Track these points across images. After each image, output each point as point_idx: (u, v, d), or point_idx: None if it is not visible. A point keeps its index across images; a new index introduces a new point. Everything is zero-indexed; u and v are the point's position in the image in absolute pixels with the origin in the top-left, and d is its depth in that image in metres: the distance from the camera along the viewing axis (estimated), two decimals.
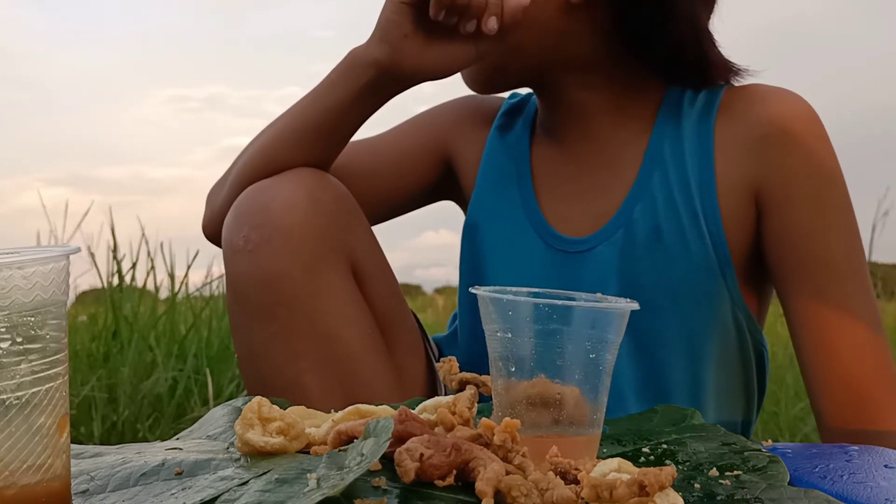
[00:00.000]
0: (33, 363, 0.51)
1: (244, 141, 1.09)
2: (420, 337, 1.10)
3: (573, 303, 0.60)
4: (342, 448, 0.56)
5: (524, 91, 1.17)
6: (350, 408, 0.65)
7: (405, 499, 0.51)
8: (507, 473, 0.52)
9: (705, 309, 0.99)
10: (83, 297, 2.79)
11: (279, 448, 0.59)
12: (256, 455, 0.59)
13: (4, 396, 0.50)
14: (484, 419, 0.57)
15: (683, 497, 0.49)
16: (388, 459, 0.53)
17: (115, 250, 2.44)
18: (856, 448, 0.76)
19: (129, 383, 2.04)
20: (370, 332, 0.99)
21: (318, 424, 0.64)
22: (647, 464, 0.64)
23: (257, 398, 0.61)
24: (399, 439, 0.54)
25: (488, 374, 0.65)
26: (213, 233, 1.08)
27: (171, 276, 2.53)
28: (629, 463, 0.52)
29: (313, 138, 1.01)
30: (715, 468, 0.61)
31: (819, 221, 0.95)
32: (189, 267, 2.53)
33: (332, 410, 0.68)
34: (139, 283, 2.52)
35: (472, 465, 0.53)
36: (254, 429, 0.60)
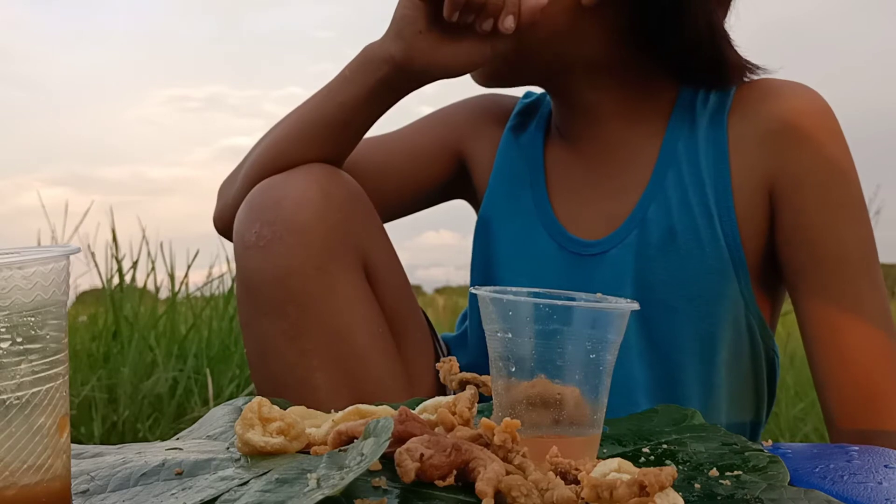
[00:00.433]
0: (33, 363, 0.51)
1: (244, 141, 1.10)
2: (429, 335, 1.10)
3: (573, 303, 0.60)
4: (342, 448, 0.56)
5: (538, 91, 1.16)
6: (350, 408, 0.65)
7: (405, 499, 0.51)
8: (508, 473, 0.52)
9: (719, 312, 0.99)
10: (83, 297, 2.79)
11: (279, 448, 0.59)
12: (256, 455, 0.59)
13: (4, 396, 0.50)
14: (484, 419, 0.57)
15: (683, 497, 0.49)
16: (388, 459, 0.53)
17: (115, 250, 2.44)
18: (856, 448, 0.76)
19: (129, 383, 2.04)
20: (380, 330, 0.99)
21: (318, 424, 0.64)
22: (647, 464, 0.64)
23: (257, 398, 0.61)
24: (399, 439, 0.54)
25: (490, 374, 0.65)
26: (224, 226, 1.08)
27: (172, 276, 2.53)
28: (629, 463, 0.52)
29: (326, 134, 1.01)
30: (715, 468, 0.61)
31: (832, 217, 0.94)
32: (189, 267, 2.53)
33: (333, 410, 0.68)
34: (139, 283, 2.52)
35: (472, 466, 0.53)
36: (254, 429, 0.60)
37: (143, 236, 2.53)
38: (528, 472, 0.52)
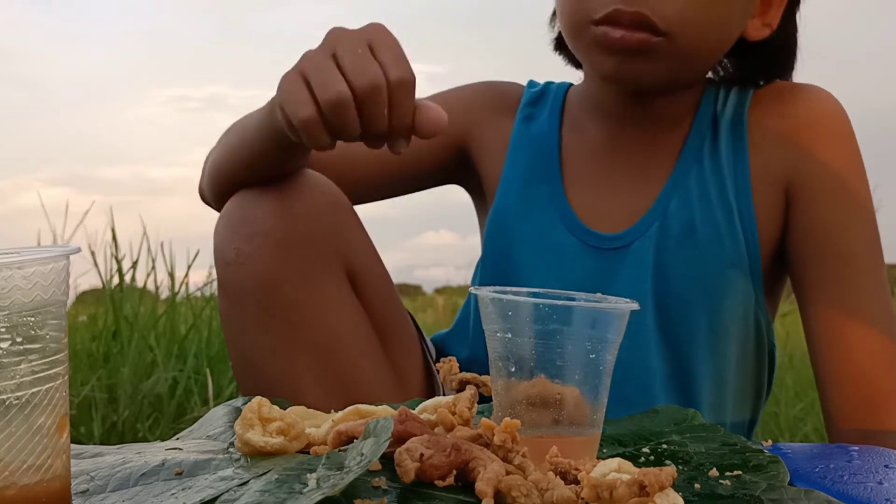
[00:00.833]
0: (33, 363, 0.51)
1: None
2: (417, 338, 1.09)
3: (573, 303, 0.60)
4: (342, 448, 0.56)
5: (540, 80, 1.15)
6: (350, 408, 0.65)
7: (405, 499, 0.51)
8: (507, 473, 0.52)
9: (733, 306, 0.99)
10: (83, 297, 2.79)
11: (279, 448, 0.59)
12: (256, 455, 0.59)
13: (4, 396, 0.50)
14: (484, 419, 0.57)
15: (683, 497, 0.49)
16: (388, 459, 0.53)
17: (115, 250, 2.44)
18: (856, 448, 0.76)
19: (129, 383, 2.04)
20: (368, 337, 0.98)
21: (318, 424, 0.64)
22: (647, 464, 0.64)
23: (257, 398, 0.61)
24: (399, 439, 0.54)
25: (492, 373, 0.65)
26: (203, 199, 1.06)
27: (172, 276, 2.53)
28: (629, 463, 0.52)
29: (252, 173, 0.95)
30: (715, 468, 0.61)
31: (843, 217, 0.96)
32: (189, 267, 2.53)
33: (333, 410, 0.68)
34: (139, 283, 2.52)
35: (472, 466, 0.53)
36: (254, 429, 0.60)
37: (144, 236, 2.53)
38: (527, 472, 0.52)
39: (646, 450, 0.67)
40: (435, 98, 1.14)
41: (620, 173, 1.05)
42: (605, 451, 0.67)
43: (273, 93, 0.83)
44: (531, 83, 1.16)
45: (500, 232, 1.08)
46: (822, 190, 0.96)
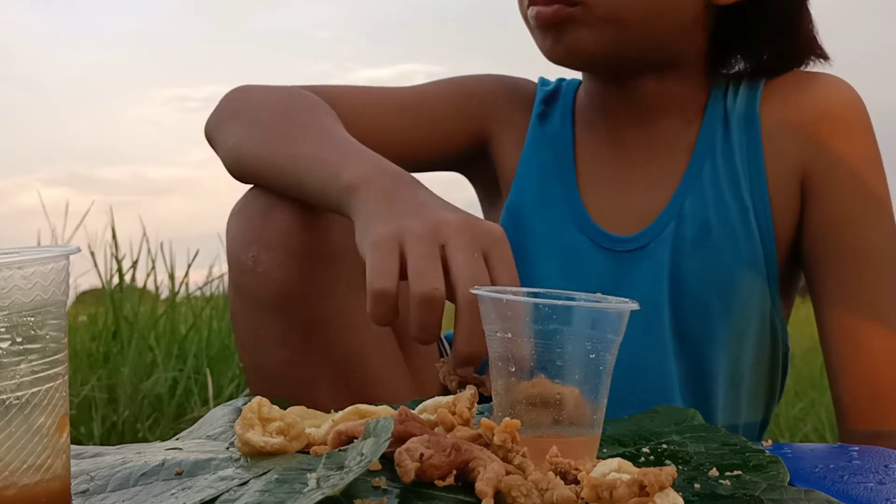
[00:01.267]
0: (33, 363, 0.51)
1: None
2: (437, 344, 1.07)
3: (573, 303, 0.60)
4: (342, 448, 0.56)
5: (551, 78, 1.14)
6: (350, 408, 0.65)
7: (405, 499, 0.51)
8: (507, 473, 0.52)
9: (749, 307, 0.98)
10: (83, 297, 2.79)
11: (279, 448, 0.59)
12: (256, 455, 0.59)
13: (4, 396, 0.50)
14: (484, 419, 0.57)
15: (683, 497, 0.49)
16: (388, 459, 0.53)
17: (115, 250, 2.44)
18: (856, 448, 0.76)
19: (129, 383, 2.04)
20: (388, 349, 0.95)
21: (318, 424, 0.64)
22: (647, 464, 0.64)
23: (257, 398, 0.61)
24: (399, 439, 0.54)
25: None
26: (208, 140, 0.99)
27: (172, 276, 2.54)
28: (629, 463, 0.52)
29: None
30: (715, 468, 0.61)
31: (858, 212, 0.94)
32: (189, 267, 2.54)
33: (333, 410, 0.68)
34: (139, 283, 2.52)
35: (472, 466, 0.53)
36: (254, 429, 0.60)
37: (144, 236, 2.53)
38: (527, 472, 0.52)
39: (646, 450, 0.67)
40: (456, 85, 1.11)
41: (633, 173, 1.03)
42: (605, 451, 0.67)
43: None
44: (543, 80, 1.14)
45: (515, 230, 1.05)
46: (838, 183, 0.94)
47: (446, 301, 0.68)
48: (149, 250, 2.68)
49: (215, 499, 0.51)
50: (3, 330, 0.50)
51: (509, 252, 0.72)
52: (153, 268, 2.52)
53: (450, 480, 0.52)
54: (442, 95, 1.09)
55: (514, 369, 0.61)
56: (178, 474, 0.58)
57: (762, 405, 1.04)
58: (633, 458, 0.65)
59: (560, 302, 0.60)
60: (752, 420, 1.03)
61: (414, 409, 0.65)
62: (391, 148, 1.03)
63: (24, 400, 0.51)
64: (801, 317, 1.03)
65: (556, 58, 1.00)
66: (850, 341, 0.93)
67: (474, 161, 1.12)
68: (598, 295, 0.63)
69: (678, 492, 0.49)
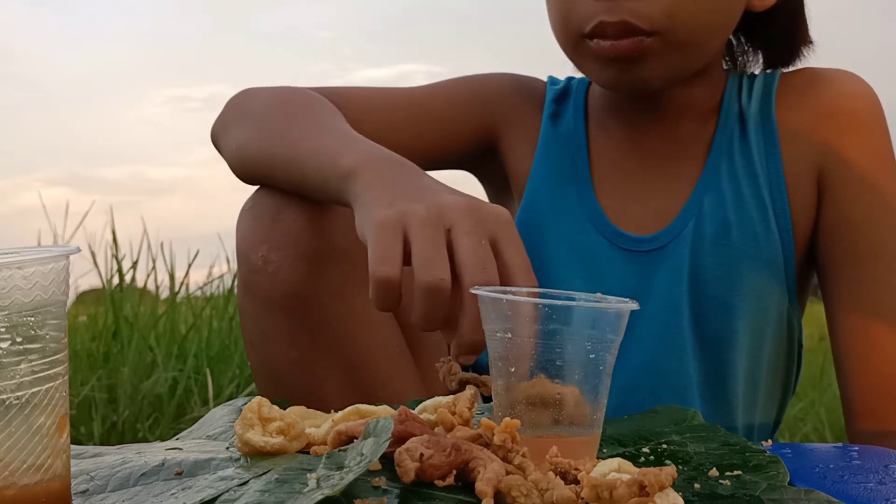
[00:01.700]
0: (33, 363, 0.51)
1: None
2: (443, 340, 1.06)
3: (573, 303, 0.60)
4: (342, 448, 0.56)
5: (560, 76, 1.13)
6: (350, 408, 0.65)
7: (405, 499, 0.51)
8: (507, 473, 0.52)
9: (768, 307, 0.98)
10: (83, 297, 2.79)
11: (279, 448, 0.59)
12: (256, 455, 0.59)
13: (4, 396, 0.50)
14: (484, 419, 0.57)
15: (683, 497, 0.49)
16: (388, 459, 0.53)
17: (115, 250, 2.45)
18: (856, 448, 0.76)
19: (129, 383, 2.04)
20: (398, 349, 0.94)
21: (318, 424, 0.64)
22: (647, 464, 0.64)
23: (257, 398, 0.61)
24: (399, 439, 0.54)
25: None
26: (214, 144, 0.99)
27: (172, 276, 2.54)
28: (629, 463, 0.52)
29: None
30: (715, 468, 0.61)
31: (874, 208, 0.94)
32: (189, 267, 2.54)
33: (333, 410, 0.68)
34: (139, 283, 2.53)
35: (472, 465, 0.53)
36: (254, 429, 0.60)
37: (144, 236, 2.53)
38: (528, 472, 0.52)
39: (646, 450, 0.67)
40: (465, 85, 1.10)
41: (649, 172, 1.03)
42: (605, 451, 0.67)
43: None
44: (552, 79, 1.13)
45: (531, 232, 1.04)
46: (851, 181, 0.94)
47: None
48: (149, 250, 2.69)
49: (215, 499, 0.52)
50: (3, 330, 0.50)
51: (517, 234, 0.70)
52: (153, 268, 2.53)
53: (450, 480, 0.52)
54: (451, 95, 1.08)
55: (514, 369, 0.61)
56: (178, 474, 0.58)
57: (777, 404, 1.04)
58: (633, 458, 0.65)
59: (560, 302, 0.60)
60: (768, 420, 1.03)
61: (414, 409, 0.65)
62: (401, 149, 1.02)
63: (24, 400, 0.51)
64: (803, 316, 1.03)
65: (616, 87, 0.99)
66: (861, 341, 0.93)
67: (484, 160, 1.11)
68: (598, 295, 0.63)
69: (678, 492, 0.49)
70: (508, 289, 0.64)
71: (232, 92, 1.00)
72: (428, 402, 0.66)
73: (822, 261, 0.97)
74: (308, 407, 0.87)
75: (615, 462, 0.52)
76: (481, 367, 0.70)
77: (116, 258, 2.45)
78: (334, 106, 0.95)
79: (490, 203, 0.72)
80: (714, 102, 1.02)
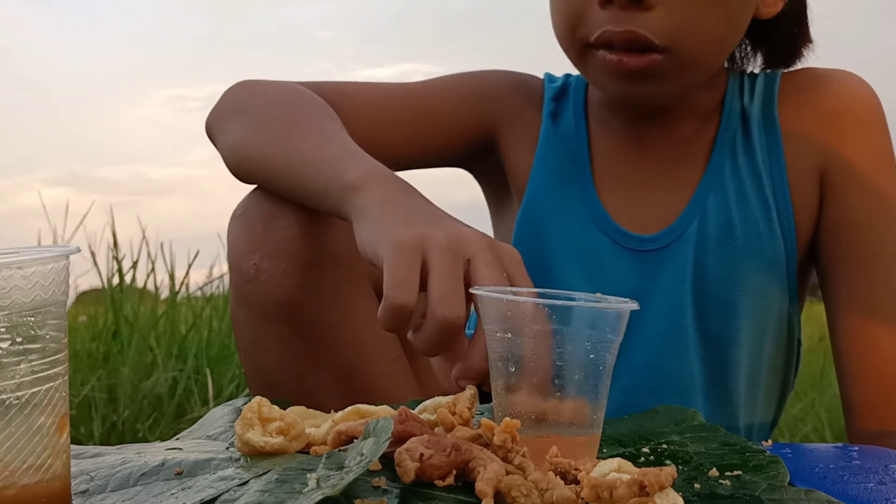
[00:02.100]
0: (33, 363, 0.51)
1: None
2: None
3: (573, 303, 0.60)
4: (342, 448, 0.56)
5: (558, 74, 1.13)
6: (350, 408, 0.65)
7: (405, 499, 0.51)
8: (507, 473, 0.52)
9: (770, 306, 0.98)
10: (83, 297, 2.79)
11: (279, 448, 0.59)
12: (256, 455, 0.59)
13: (4, 396, 0.50)
14: (484, 419, 0.57)
15: (683, 497, 0.49)
16: (388, 459, 0.53)
17: (115, 250, 2.45)
18: (856, 448, 0.76)
19: (129, 383, 2.04)
20: (394, 357, 0.93)
21: (318, 424, 0.64)
22: (647, 464, 0.64)
23: (257, 398, 0.61)
24: (399, 439, 0.54)
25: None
26: (209, 136, 0.97)
27: (172, 276, 2.54)
28: (629, 463, 0.52)
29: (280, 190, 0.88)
30: (715, 468, 0.61)
31: (875, 208, 0.94)
32: (189, 267, 2.54)
33: (333, 410, 0.68)
34: (139, 283, 2.53)
35: (472, 465, 0.53)
36: (254, 429, 0.60)
37: (143, 236, 2.53)
38: (528, 472, 0.52)
39: (646, 450, 0.67)
40: (463, 82, 1.08)
41: (652, 172, 1.03)
42: (605, 451, 0.67)
43: None
44: (550, 77, 1.12)
45: (533, 231, 1.04)
46: (851, 181, 0.95)
47: None
48: (149, 250, 2.69)
49: (215, 499, 0.52)
50: (3, 330, 0.50)
51: (527, 275, 0.70)
52: (153, 268, 2.53)
53: (450, 480, 0.52)
54: (449, 91, 1.07)
55: (514, 369, 0.61)
56: (178, 474, 0.58)
57: (775, 402, 1.04)
58: (633, 458, 0.65)
59: (559, 302, 0.60)
60: (767, 419, 1.03)
61: (414, 409, 0.65)
62: (398, 144, 1.03)
63: (24, 400, 0.51)
64: (802, 316, 1.03)
65: (622, 99, 0.99)
66: (861, 341, 0.93)
67: (482, 158, 1.11)
68: (598, 295, 0.63)
69: (678, 492, 0.49)
70: (508, 289, 0.64)
71: None
72: (428, 403, 0.66)
73: (823, 260, 0.97)
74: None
75: (615, 462, 0.52)
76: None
77: (116, 258, 2.45)
78: (333, 108, 0.94)
79: (502, 242, 0.71)
80: (715, 102, 1.02)
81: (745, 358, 0.98)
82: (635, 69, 0.90)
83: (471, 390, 0.65)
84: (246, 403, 0.62)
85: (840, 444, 0.79)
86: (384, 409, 0.65)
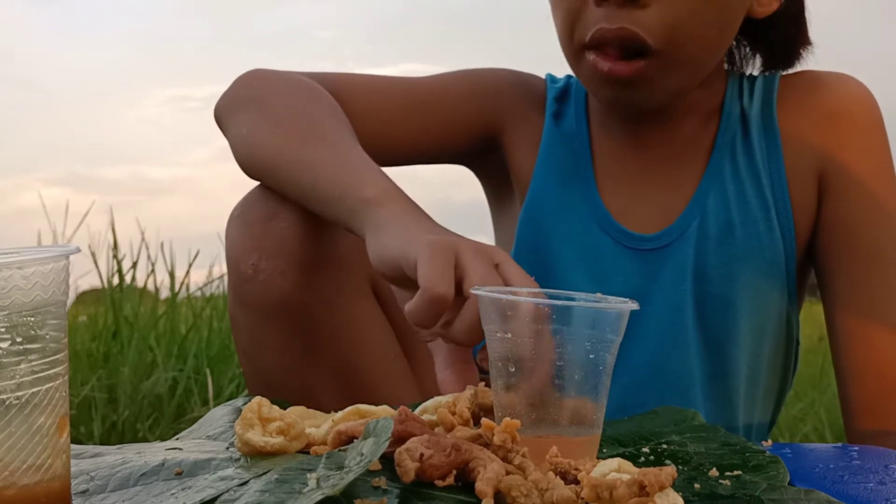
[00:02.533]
0: (33, 363, 0.51)
1: None
2: None
3: (573, 303, 0.60)
4: (342, 448, 0.56)
5: (559, 74, 1.13)
6: (350, 408, 0.65)
7: (405, 499, 0.51)
8: (507, 473, 0.52)
9: (769, 305, 0.99)
10: (83, 297, 2.79)
11: (279, 448, 0.59)
12: (256, 455, 0.59)
13: (4, 396, 0.50)
14: (484, 419, 0.57)
15: (683, 497, 0.49)
16: (388, 459, 0.53)
17: (115, 250, 2.45)
18: (856, 448, 0.76)
19: (129, 383, 2.04)
20: (393, 356, 0.93)
21: (318, 424, 0.64)
22: (647, 464, 0.64)
23: (257, 398, 0.61)
24: (399, 439, 0.54)
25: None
26: (217, 123, 0.97)
27: (172, 276, 2.54)
28: (629, 463, 0.52)
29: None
30: (715, 468, 0.61)
31: (872, 210, 0.95)
32: (189, 267, 2.54)
33: (333, 410, 0.68)
34: (139, 283, 2.53)
35: (472, 465, 0.53)
36: (254, 429, 0.60)
37: (143, 236, 2.54)
38: (528, 472, 0.52)
39: (646, 450, 0.67)
40: (468, 79, 1.08)
41: (651, 172, 1.03)
42: (605, 451, 0.67)
43: None
44: (552, 77, 1.12)
45: (535, 230, 1.04)
46: (849, 183, 0.95)
47: None
48: (148, 251, 2.69)
49: (215, 499, 0.52)
50: (3, 330, 0.50)
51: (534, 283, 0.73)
52: (153, 268, 2.53)
53: (450, 480, 0.52)
54: (453, 88, 1.07)
55: (514, 369, 0.61)
56: (178, 474, 0.58)
57: (773, 402, 1.05)
58: (633, 458, 0.65)
59: (559, 302, 0.60)
60: (766, 418, 1.03)
61: (414, 409, 0.65)
62: (402, 137, 1.03)
63: (24, 400, 0.51)
64: (802, 316, 1.03)
65: (613, 105, 1.00)
66: (860, 341, 0.94)
67: (484, 155, 1.11)
68: (598, 295, 0.63)
69: (678, 492, 0.49)
70: (508, 289, 0.64)
71: None
72: (428, 403, 0.66)
73: (822, 261, 0.98)
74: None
75: (615, 462, 0.52)
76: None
77: (116, 258, 2.45)
78: (338, 100, 0.94)
79: (502, 241, 0.75)
80: (715, 104, 1.03)
81: (744, 357, 0.98)
82: (624, 78, 0.91)
83: (470, 390, 0.65)
84: (246, 403, 0.62)
85: (840, 444, 0.79)
86: (384, 409, 0.65)
